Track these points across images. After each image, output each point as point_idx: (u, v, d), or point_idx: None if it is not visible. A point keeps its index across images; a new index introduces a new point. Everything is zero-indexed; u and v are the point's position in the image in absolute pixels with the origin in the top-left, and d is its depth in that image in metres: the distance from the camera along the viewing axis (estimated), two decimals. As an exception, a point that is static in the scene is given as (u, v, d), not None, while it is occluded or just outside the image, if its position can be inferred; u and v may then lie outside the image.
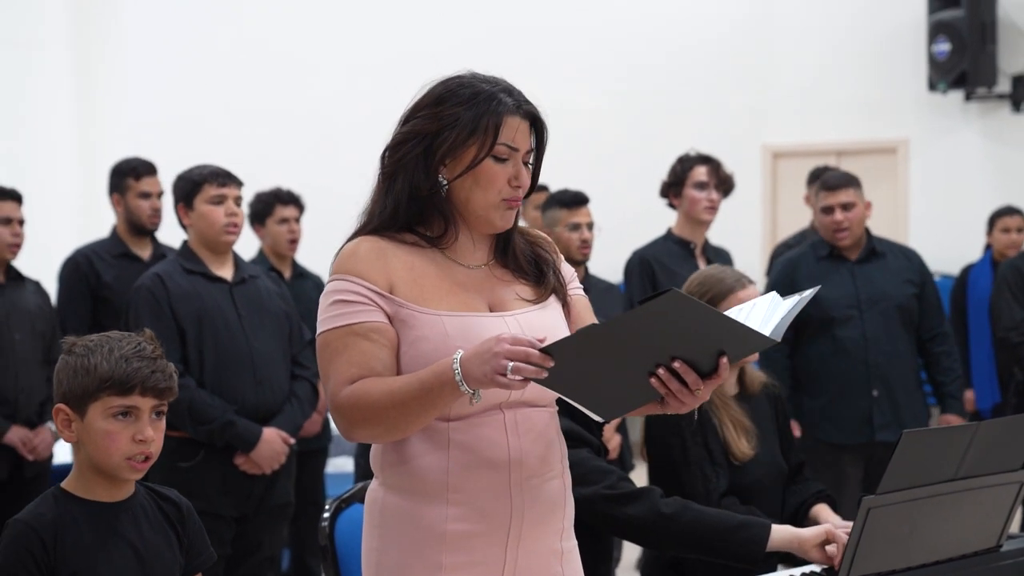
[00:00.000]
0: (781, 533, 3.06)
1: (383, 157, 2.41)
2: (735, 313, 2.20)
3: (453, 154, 2.34)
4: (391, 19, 10.33)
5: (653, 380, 2.13)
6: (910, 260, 5.28)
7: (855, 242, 5.17)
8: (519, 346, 2.07)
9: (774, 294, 2.28)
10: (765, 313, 2.20)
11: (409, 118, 2.39)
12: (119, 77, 10.61)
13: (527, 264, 2.44)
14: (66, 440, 2.57)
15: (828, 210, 5.13)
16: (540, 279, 2.43)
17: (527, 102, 2.38)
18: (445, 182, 2.35)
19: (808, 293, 2.29)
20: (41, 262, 5.37)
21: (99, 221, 9.41)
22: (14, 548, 2.48)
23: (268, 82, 10.41)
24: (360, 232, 2.40)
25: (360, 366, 2.27)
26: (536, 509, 2.34)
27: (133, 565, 2.54)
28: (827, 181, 5.22)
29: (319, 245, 6.56)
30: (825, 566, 3.01)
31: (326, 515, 3.07)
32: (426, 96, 2.38)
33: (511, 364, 2.06)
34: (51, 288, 5.48)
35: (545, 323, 2.36)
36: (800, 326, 5.08)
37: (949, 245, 8.65)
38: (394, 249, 2.35)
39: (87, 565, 2.49)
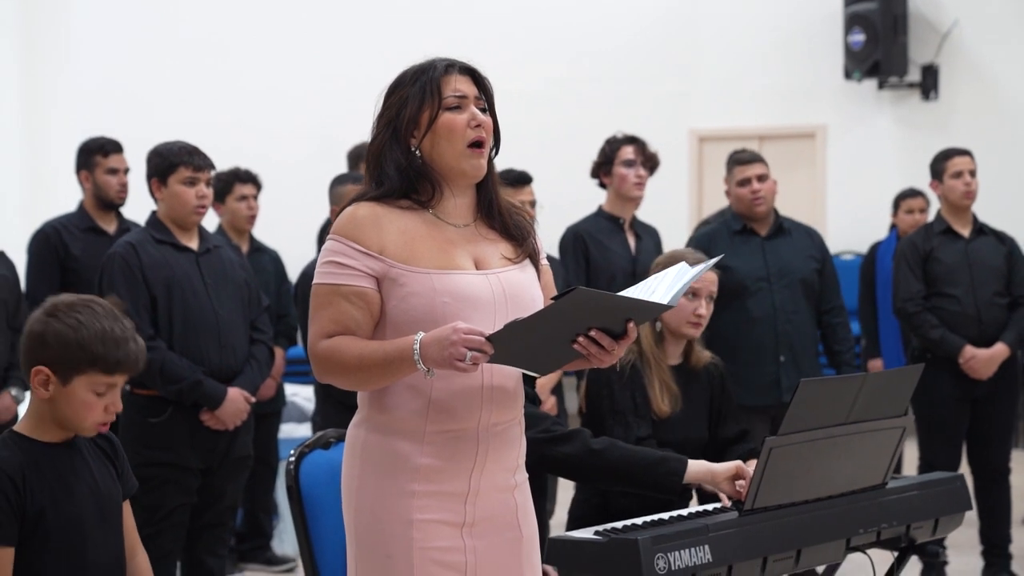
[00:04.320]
0: (697, 467, 3.44)
1: (366, 155, 2.75)
2: (648, 282, 2.64)
3: (415, 123, 2.68)
4: (338, 2, 10.57)
5: (576, 345, 2.56)
6: (812, 238, 5.61)
7: (767, 215, 5.51)
8: (473, 336, 2.47)
9: (683, 264, 2.70)
10: (671, 281, 2.61)
11: (376, 120, 2.74)
12: (63, 58, 10.73)
13: (511, 226, 2.77)
14: (39, 397, 2.73)
15: (745, 182, 5.45)
16: (522, 241, 2.77)
17: (460, 61, 2.74)
18: (416, 149, 2.70)
19: (711, 262, 2.76)
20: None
21: (44, 198, 9.66)
22: None
23: (212, 60, 10.56)
24: (361, 198, 2.72)
25: (338, 324, 2.64)
26: (497, 449, 2.71)
27: (90, 497, 2.79)
28: (740, 157, 5.54)
29: (269, 219, 6.91)
30: (734, 499, 3.36)
31: (291, 459, 3.37)
32: (382, 97, 2.75)
33: (470, 353, 2.46)
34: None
35: (523, 282, 2.73)
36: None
37: (864, 224, 9.05)
38: (389, 214, 2.67)
39: (53, 501, 2.74)
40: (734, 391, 5.45)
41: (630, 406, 3.78)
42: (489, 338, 2.47)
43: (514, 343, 2.49)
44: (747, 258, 5.38)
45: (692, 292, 3.87)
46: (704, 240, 5.57)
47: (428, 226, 2.69)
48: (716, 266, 5.29)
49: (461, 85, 2.70)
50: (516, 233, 2.77)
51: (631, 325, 2.56)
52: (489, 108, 2.75)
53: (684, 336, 3.93)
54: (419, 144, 2.70)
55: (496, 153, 2.78)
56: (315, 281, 2.69)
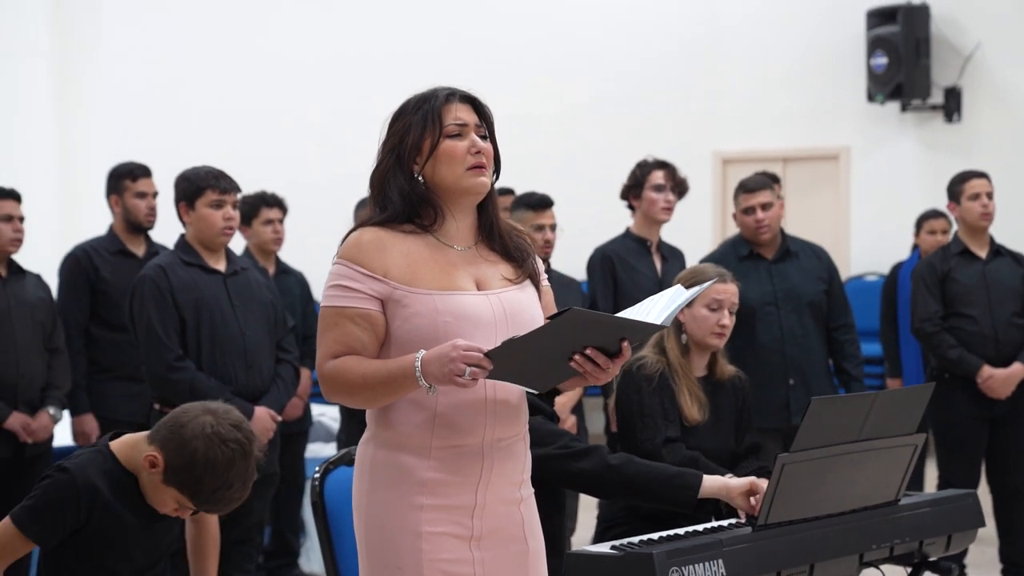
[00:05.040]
0: (712, 482, 3.52)
1: (371, 182, 2.84)
2: (644, 304, 2.73)
3: (417, 150, 2.77)
4: (363, 27, 10.67)
5: (572, 363, 2.64)
6: (820, 258, 5.66)
7: (773, 239, 5.57)
8: (471, 352, 2.55)
9: (679, 286, 2.79)
10: (666, 302, 2.69)
11: (381, 147, 2.84)
12: (97, 83, 10.88)
13: (512, 248, 2.86)
14: (142, 466, 2.93)
15: (750, 210, 5.53)
16: (522, 263, 2.85)
17: (460, 89, 2.83)
18: (419, 175, 2.79)
19: (705, 285, 2.90)
20: (22, 258, 5.64)
21: (77, 220, 9.80)
22: (58, 495, 2.88)
23: (242, 85, 10.69)
24: (365, 223, 2.81)
25: (343, 345, 2.72)
26: (502, 463, 2.79)
27: (151, 525, 2.98)
28: (746, 184, 5.61)
29: (295, 242, 7.02)
30: (748, 514, 3.44)
31: (316, 475, 3.47)
32: (387, 125, 2.85)
33: (469, 369, 2.54)
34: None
35: (523, 301, 2.81)
36: None
37: (886, 245, 9.10)
38: (392, 238, 2.76)
39: (113, 526, 2.92)
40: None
41: (659, 409, 3.88)
42: (487, 354, 2.56)
43: (512, 360, 2.58)
44: (754, 283, 5.43)
45: (715, 304, 3.98)
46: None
47: (430, 249, 2.77)
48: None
49: (462, 113, 2.79)
50: (516, 255, 2.85)
51: (625, 344, 2.64)
52: (489, 135, 2.84)
53: (708, 347, 4.03)
54: (421, 170, 2.78)
55: (497, 178, 2.86)
56: (322, 304, 2.78)
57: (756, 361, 5.36)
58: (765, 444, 5.28)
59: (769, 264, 5.56)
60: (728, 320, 4.01)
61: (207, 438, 2.88)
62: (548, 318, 2.63)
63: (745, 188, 5.60)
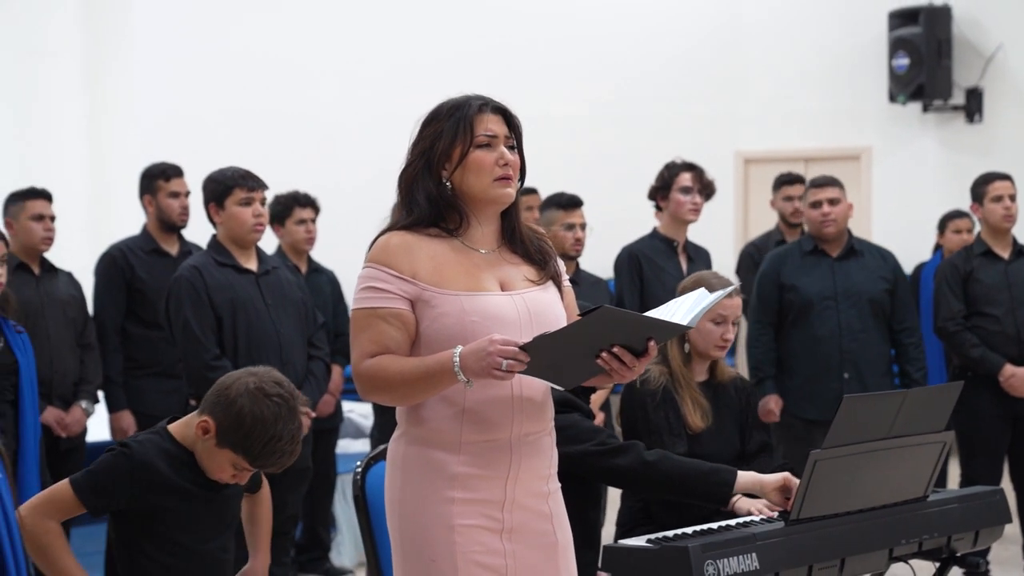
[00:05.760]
0: (746, 477, 3.59)
1: (399, 182, 2.92)
2: (670, 305, 2.81)
3: (447, 157, 2.85)
4: (392, 30, 10.73)
5: (599, 360, 2.72)
6: (885, 260, 5.78)
7: (839, 235, 5.68)
8: (508, 346, 2.63)
9: (702, 289, 2.86)
10: (691, 304, 2.78)
11: (411, 148, 2.92)
12: (127, 83, 10.95)
13: (534, 251, 2.95)
14: (195, 435, 3.06)
15: (816, 204, 5.66)
16: (544, 265, 2.94)
17: (493, 100, 2.91)
18: (447, 181, 2.87)
19: (729, 289, 3.02)
20: (53, 256, 5.75)
21: (107, 219, 9.90)
22: (115, 469, 3.02)
23: (273, 87, 10.77)
24: (392, 228, 2.90)
25: (378, 344, 2.81)
26: (530, 458, 2.87)
27: (211, 503, 3.11)
28: (815, 180, 5.78)
29: (327, 241, 7.10)
30: (781, 508, 3.49)
31: (358, 470, 3.55)
32: (419, 126, 2.93)
33: (505, 362, 2.62)
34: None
35: (546, 301, 2.89)
36: (783, 314, 5.64)
37: (908, 245, 9.11)
38: (419, 242, 2.84)
39: (173, 499, 3.05)
40: (797, 405, 5.62)
41: (665, 425, 3.93)
42: (523, 347, 2.64)
43: (542, 355, 2.66)
44: (816, 278, 5.59)
45: (720, 318, 4.03)
46: (776, 260, 5.77)
47: (456, 252, 2.86)
48: (785, 284, 5.61)
49: (492, 124, 2.87)
50: (538, 257, 2.94)
51: (651, 343, 2.72)
52: (517, 146, 2.92)
53: (711, 357, 4.09)
54: (450, 176, 2.86)
55: (521, 186, 2.95)
56: (354, 307, 2.86)
57: (813, 353, 5.50)
58: (815, 437, 5.38)
59: (832, 261, 5.69)
60: (731, 334, 4.07)
61: (251, 394, 3.00)
62: (579, 315, 2.72)
63: (814, 183, 5.76)
